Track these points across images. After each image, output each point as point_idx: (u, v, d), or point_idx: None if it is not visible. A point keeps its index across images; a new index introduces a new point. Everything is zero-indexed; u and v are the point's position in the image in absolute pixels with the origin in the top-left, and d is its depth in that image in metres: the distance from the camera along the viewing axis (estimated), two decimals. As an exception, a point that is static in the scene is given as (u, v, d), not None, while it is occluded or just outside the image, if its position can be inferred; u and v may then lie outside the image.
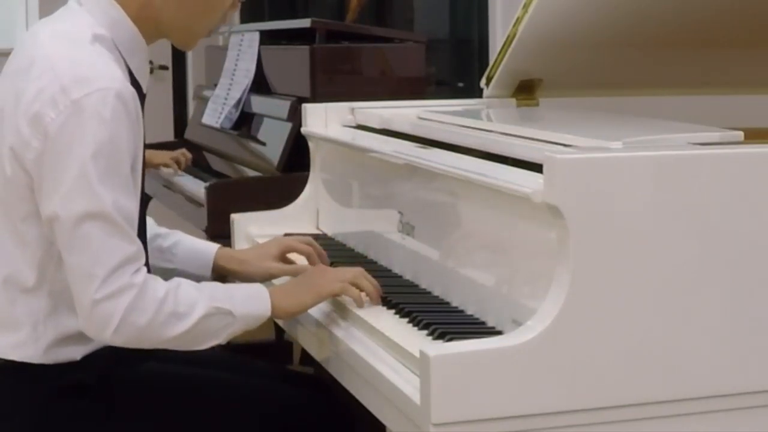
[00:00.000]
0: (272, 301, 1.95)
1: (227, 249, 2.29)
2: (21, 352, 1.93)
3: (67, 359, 1.93)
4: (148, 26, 1.97)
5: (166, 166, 3.83)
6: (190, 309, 1.87)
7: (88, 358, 1.95)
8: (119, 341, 1.84)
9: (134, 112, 1.86)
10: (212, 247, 2.25)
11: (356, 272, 2.04)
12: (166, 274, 2.10)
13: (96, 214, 1.81)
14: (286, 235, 2.61)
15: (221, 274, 2.24)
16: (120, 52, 1.93)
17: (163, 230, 2.25)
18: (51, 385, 1.93)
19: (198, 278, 2.11)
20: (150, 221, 2.24)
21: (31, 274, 1.91)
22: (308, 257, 2.24)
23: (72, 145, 1.81)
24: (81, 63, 1.85)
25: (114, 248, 1.82)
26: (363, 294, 2.01)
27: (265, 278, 2.21)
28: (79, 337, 1.92)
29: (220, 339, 1.92)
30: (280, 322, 2.36)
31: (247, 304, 1.94)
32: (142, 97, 1.98)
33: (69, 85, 1.82)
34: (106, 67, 1.86)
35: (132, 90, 1.86)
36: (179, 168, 3.85)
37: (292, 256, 2.27)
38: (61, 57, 1.86)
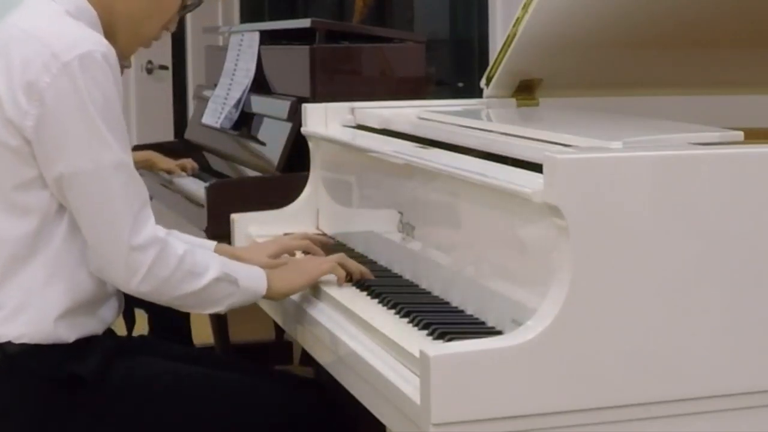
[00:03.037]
0: (267, 281, 2.06)
1: (223, 245, 2.35)
2: (29, 332, 1.93)
3: (81, 334, 1.96)
4: (105, 16, 2.02)
5: (170, 172, 3.81)
6: (205, 270, 1.97)
7: (84, 351, 1.96)
8: (143, 290, 1.92)
9: (118, 74, 1.94)
10: (209, 244, 2.29)
11: (339, 256, 2.18)
12: None
13: (112, 163, 1.90)
14: (285, 235, 2.61)
15: None
16: None
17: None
18: (48, 379, 1.93)
19: None
20: None
21: (24, 246, 1.94)
22: (307, 249, 2.34)
23: (72, 104, 1.88)
24: (64, 30, 1.94)
25: (134, 194, 1.92)
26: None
27: None
28: (75, 313, 1.96)
29: (222, 307, 2.02)
30: (279, 322, 2.36)
31: (249, 279, 2.05)
32: None
33: (58, 50, 1.89)
34: (88, 32, 1.94)
35: (114, 53, 1.94)
36: (186, 174, 3.84)
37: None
38: (43, 28, 1.94)
